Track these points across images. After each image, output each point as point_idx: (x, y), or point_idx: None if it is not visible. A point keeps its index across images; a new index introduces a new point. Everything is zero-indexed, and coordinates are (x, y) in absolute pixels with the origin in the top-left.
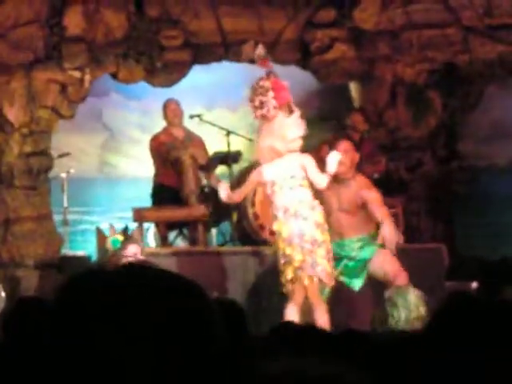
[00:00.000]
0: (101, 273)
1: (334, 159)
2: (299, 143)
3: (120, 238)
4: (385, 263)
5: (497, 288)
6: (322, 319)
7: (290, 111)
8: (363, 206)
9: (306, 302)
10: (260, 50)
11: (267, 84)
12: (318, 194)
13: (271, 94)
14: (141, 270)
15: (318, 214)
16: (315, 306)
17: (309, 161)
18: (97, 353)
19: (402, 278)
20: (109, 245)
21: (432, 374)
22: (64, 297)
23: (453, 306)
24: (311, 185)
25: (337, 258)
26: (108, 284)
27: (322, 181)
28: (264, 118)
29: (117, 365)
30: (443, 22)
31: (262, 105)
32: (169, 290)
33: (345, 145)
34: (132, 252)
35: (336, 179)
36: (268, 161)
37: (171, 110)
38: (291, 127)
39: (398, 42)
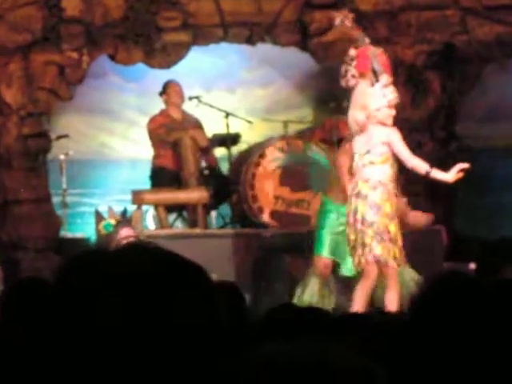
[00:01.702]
0: (100, 253)
1: None
2: (385, 113)
3: (112, 221)
4: None
5: (496, 268)
6: (388, 299)
7: (377, 80)
8: None
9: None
10: (346, 21)
11: (353, 53)
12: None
13: (354, 62)
14: (141, 250)
15: (378, 195)
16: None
17: (395, 135)
18: (95, 332)
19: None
20: (102, 229)
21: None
22: (63, 278)
23: (442, 285)
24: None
25: None
26: (107, 264)
27: (408, 158)
28: (346, 87)
29: (118, 344)
30: (442, 3)
31: (345, 73)
32: (168, 268)
33: None
34: (124, 235)
35: None
36: (355, 133)
37: (175, 91)
38: (373, 96)
39: (397, 24)
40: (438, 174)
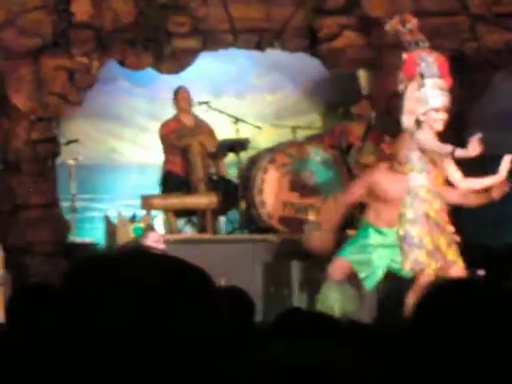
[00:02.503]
0: (106, 258)
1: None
2: (432, 118)
3: (142, 225)
4: None
5: (503, 275)
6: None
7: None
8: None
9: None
10: (399, 26)
11: (404, 57)
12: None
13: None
14: (145, 256)
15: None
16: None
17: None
18: (100, 335)
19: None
20: (130, 232)
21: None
22: (69, 282)
23: (444, 292)
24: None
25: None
26: (113, 269)
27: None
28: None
29: (121, 348)
30: (451, 10)
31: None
32: (172, 274)
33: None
34: (154, 239)
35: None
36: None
37: (183, 98)
38: (418, 100)
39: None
40: (460, 152)
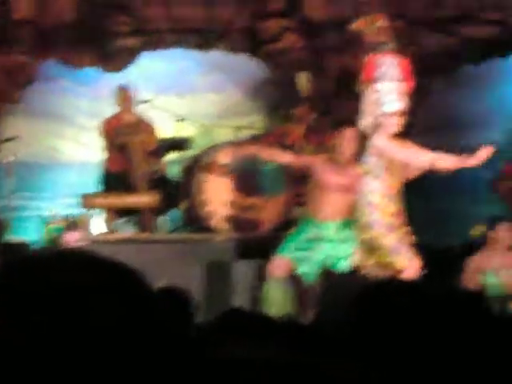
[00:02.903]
0: (35, 259)
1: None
2: (386, 122)
3: (62, 225)
4: None
5: (442, 277)
6: None
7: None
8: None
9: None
10: (364, 26)
11: (365, 59)
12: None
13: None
14: (75, 257)
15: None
16: None
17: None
18: (30, 337)
19: None
20: (50, 232)
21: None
22: (1, 283)
23: (379, 292)
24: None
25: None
26: (41, 270)
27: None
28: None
29: (52, 350)
30: (391, 14)
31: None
32: (101, 276)
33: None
34: (73, 239)
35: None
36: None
37: (124, 96)
38: (373, 104)
39: (346, 33)
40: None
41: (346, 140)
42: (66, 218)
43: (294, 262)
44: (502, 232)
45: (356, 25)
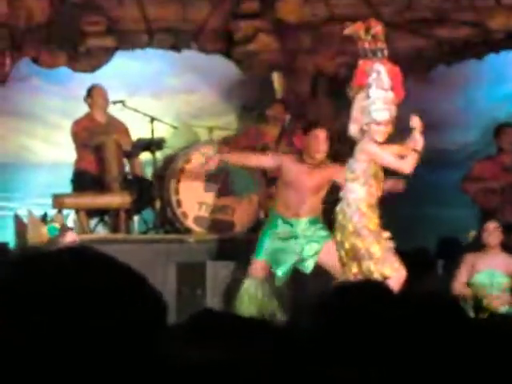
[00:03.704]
0: (47, 258)
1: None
2: (374, 130)
3: (57, 225)
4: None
5: (414, 280)
6: None
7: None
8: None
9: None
10: (360, 31)
11: (358, 64)
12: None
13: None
14: (81, 255)
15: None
16: None
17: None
18: (30, 336)
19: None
20: (45, 232)
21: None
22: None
23: (344, 295)
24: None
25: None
26: (44, 269)
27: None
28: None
29: (41, 348)
30: (364, 16)
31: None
32: (108, 276)
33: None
34: (70, 240)
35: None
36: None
37: (96, 96)
38: (362, 110)
39: (320, 35)
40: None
41: (317, 141)
42: (42, 217)
43: (270, 263)
44: (489, 231)
45: (352, 29)
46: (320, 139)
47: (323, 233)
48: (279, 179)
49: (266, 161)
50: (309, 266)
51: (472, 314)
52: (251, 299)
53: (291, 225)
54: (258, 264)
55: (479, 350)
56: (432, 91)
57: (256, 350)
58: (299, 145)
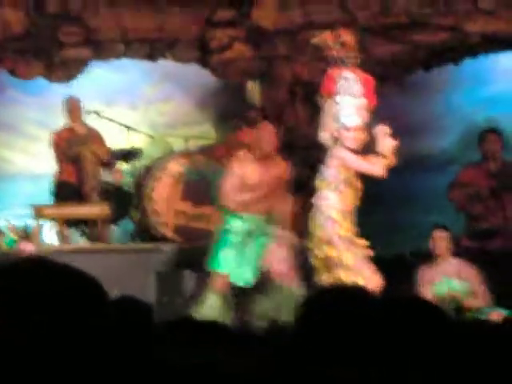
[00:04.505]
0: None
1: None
2: (344, 136)
3: (15, 237)
4: (276, 259)
5: (391, 285)
6: None
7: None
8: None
9: None
10: (328, 40)
11: (328, 72)
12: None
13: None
14: (38, 265)
15: None
16: None
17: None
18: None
19: (290, 278)
20: (3, 244)
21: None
22: None
23: (325, 299)
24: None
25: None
26: (11, 279)
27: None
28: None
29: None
30: (339, 22)
31: None
32: (68, 284)
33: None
34: (27, 250)
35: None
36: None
37: (73, 107)
38: (332, 118)
39: (296, 41)
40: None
41: (266, 132)
42: (17, 228)
43: (231, 274)
44: (437, 240)
45: (320, 38)
46: (269, 130)
47: (272, 232)
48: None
49: (236, 187)
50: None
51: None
52: (214, 312)
53: (243, 220)
54: (219, 278)
55: (464, 350)
56: (410, 96)
57: (248, 354)
58: (247, 139)
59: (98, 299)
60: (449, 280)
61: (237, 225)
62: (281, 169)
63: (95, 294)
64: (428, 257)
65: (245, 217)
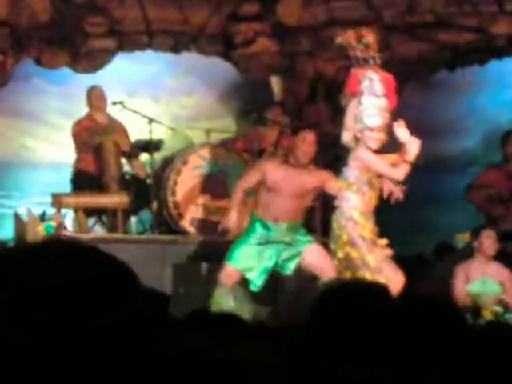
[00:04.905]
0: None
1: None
2: (367, 136)
3: (54, 223)
4: (320, 258)
5: (411, 284)
6: None
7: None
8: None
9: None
10: (352, 40)
11: (351, 72)
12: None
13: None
14: (63, 246)
15: None
16: None
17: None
18: (28, 328)
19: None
20: (41, 230)
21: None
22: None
23: (339, 296)
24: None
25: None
26: (28, 261)
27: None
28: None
29: (37, 339)
30: (364, 19)
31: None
32: (99, 267)
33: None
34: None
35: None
36: None
37: (95, 96)
38: (354, 118)
39: (320, 38)
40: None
41: (304, 142)
42: (41, 216)
43: (243, 271)
44: (486, 240)
45: (343, 38)
46: (307, 141)
47: (303, 238)
48: (262, 183)
49: (252, 179)
50: (288, 269)
51: (470, 321)
52: (222, 307)
53: (269, 229)
54: (230, 271)
55: (479, 353)
56: (434, 96)
57: (262, 349)
58: (287, 144)
59: (132, 284)
60: (485, 280)
61: (260, 230)
62: (317, 180)
63: (128, 279)
64: (446, 254)
65: (269, 225)
